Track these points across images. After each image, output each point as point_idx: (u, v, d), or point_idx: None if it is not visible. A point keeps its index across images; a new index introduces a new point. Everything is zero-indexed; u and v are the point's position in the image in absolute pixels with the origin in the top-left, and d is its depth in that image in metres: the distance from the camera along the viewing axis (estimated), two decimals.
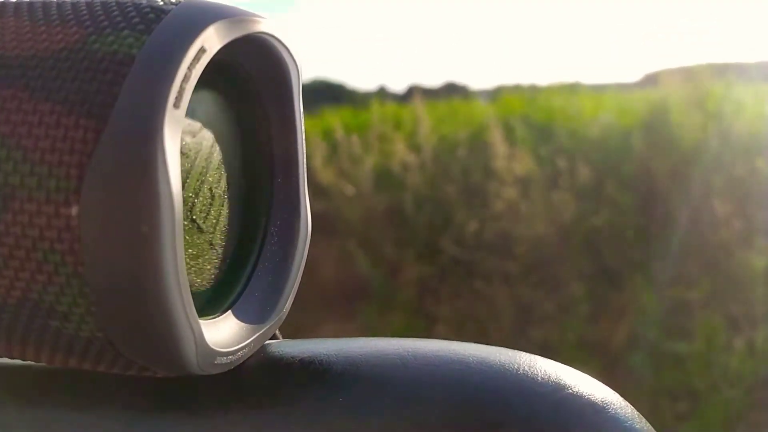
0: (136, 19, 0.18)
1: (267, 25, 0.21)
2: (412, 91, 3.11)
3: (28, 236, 0.17)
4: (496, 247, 2.15)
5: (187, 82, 0.17)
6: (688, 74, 2.44)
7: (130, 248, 0.16)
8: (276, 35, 0.21)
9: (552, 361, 0.22)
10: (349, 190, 2.46)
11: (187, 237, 0.20)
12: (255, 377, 0.22)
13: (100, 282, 0.17)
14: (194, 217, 0.21)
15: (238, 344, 0.21)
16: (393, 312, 2.17)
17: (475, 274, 2.15)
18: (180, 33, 0.17)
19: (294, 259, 0.25)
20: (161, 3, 0.19)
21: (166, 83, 0.16)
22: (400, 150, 2.50)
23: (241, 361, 0.22)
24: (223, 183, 0.22)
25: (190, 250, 0.21)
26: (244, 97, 0.23)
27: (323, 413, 0.21)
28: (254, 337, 0.22)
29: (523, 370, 0.21)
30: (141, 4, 0.19)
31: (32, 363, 0.22)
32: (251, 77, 0.23)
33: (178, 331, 0.17)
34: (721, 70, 2.39)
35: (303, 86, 0.25)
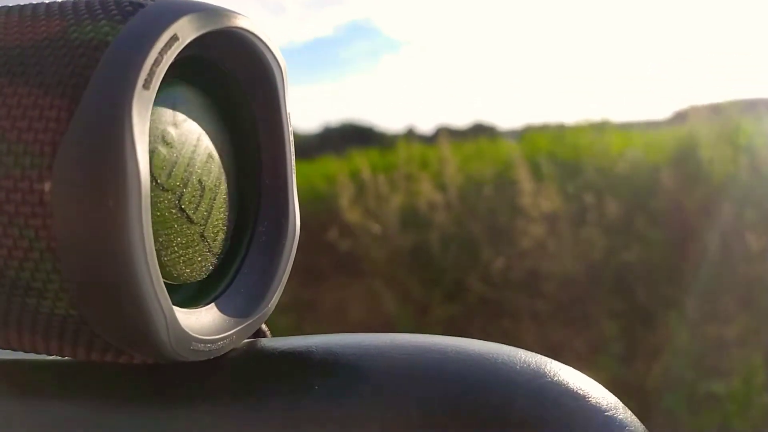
0: (115, 11, 0.19)
1: (245, 22, 0.21)
2: (440, 132, 3.13)
3: (5, 212, 0.17)
4: (524, 285, 2.12)
5: (158, 66, 0.18)
6: (717, 110, 2.42)
7: (98, 223, 0.17)
8: (256, 33, 0.22)
9: (534, 353, 0.22)
10: (376, 229, 2.47)
11: (176, 226, 0.21)
12: (234, 369, 0.22)
13: (71, 258, 0.17)
14: (183, 206, 0.21)
15: (218, 334, 0.22)
16: None
17: (503, 313, 2.12)
18: (153, 21, 0.18)
19: (281, 258, 0.25)
20: None
21: (136, 65, 0.17)
22: (426, 189, 2.51)
23: (221, 353, 0.22)
24: (214, 176, 0.23)
25: (178, 239, 0.21)
26: (230, 96, 0.24)
27: (300, 401, 0.21)
28: (236, 329, 0.23)
29: (501, 360, 0.21)
30: (122, 0, 0.20)
31: (17, 356, 0.22)
32: (235, 76, 0.24)
33: (147, 310, 0.18)
34: (750, 106, 2.37)
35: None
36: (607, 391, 0.21)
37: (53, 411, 0.22)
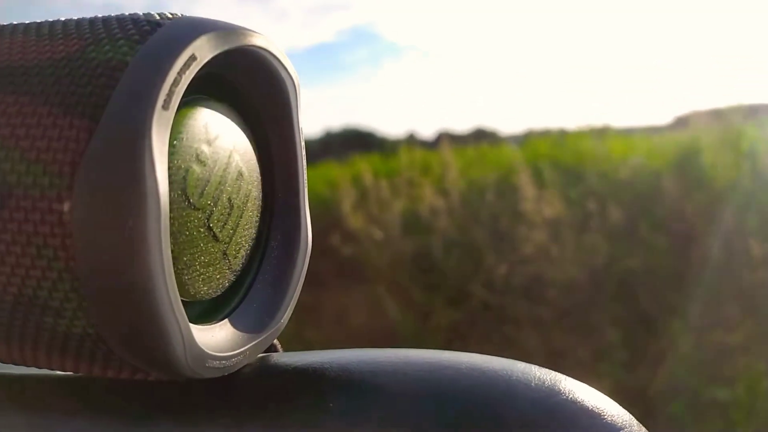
0: (133, 31, 0.19)
1: (261, 39, 0.21)
2: (441, 138, 3.14)
3: (23, 232, 0.18)
4: (527, 291, 2.11)
5: (177, 86, 0.18)
6: (719, 116, 2.42)
7: (117, 243, 0.17)
8: (271, 51, 0.22)
9: (548, 369, 0.22)
10: (378, 235, 2.47)
11: (201, 245, 0.21)
12: (249, 385, 0.22)
13: (89, 277, 0.17)
14: (211, 225, 0.21)
15: (232, 351, 0.22)
16: None
17: (506, 319, 2.12)
18: (171, 41, 0.18)
19: (293, 272, 0.25)
20: (158, 18, 0.20)
21: (155, 86, 0.17)
22: (428, 195, 2.51)
23: (235, 369, 0.22)
24: (242, 194, 0.23)
25: (202, 258, 0.21)
26: (246, 112, 0.24)
27: (315, 420, 0.21)
28: (249, 345, 0.23)
29: (516, 377, 0.21)
30: (139, 18, 0.20)
31: (30, 372, 0.22)
32: (250, 93, 0.24)
33: (164, 329, 0.18)
34: (752, 111, 2.37)
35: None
36: (622, 408, 0.21)
37: (68, 427, 0.22)
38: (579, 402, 0.20)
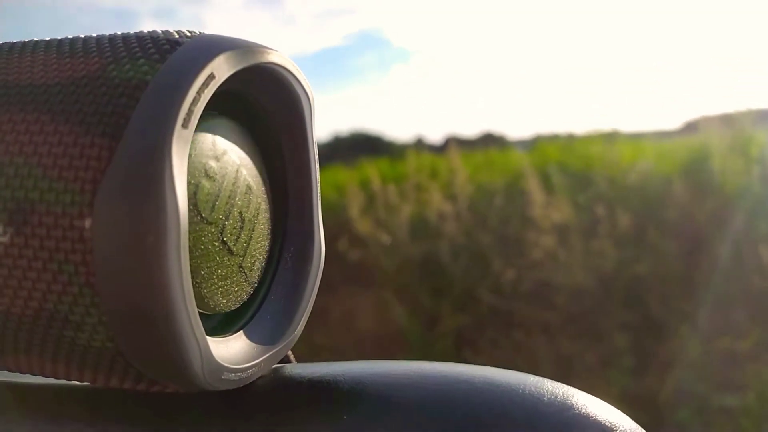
0: (152, 50, 0.19)
1: (277, 56, 0.22)
2: (449, 142, 3.14)
3: (45, 248, 0.18)
4: (535, 296, 2.11)
5: (195, 105, 0.18)
6: (729, 121, 2.41)
7: (137, 259, 0.17)
8: (287, 67, 0.23)
9: (560, 383, 0.22)
10: (386, 239, 2.47)
11: (217, 258, 0.21)
12: (264, 397, 0.23)
13: (109, 292, 0.18)
14: (225, 238, 0.22)
15: (247, 363, 0.22)
16: None
17: (514, 325, 2.11)
18: (191, 60, 0.19)
19: (307, 284, 0.26)
20: (177, 36, 0.20)
21: (175, 105, 0.18)
22: (436, 199, 2.51)
23: (250, 381, 0.22)
24: (252, 207, 0.23)
25: (219, 271, 0.21)
26: (261, 128, 0.24)
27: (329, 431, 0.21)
28: (264, 357, 0.23)
29: (529, 391, 0.21)
30: (158, 37, 0.20)
31: (47, 382, 0.23)
32: (266, 109, 0.24)
33: (183, 343, 0.18)
34: (762, 116, 2.35)
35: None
36: (634, 423, 0.21)
37: None
38: (592, 417, 0.20)
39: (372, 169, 2.96)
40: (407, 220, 2.52)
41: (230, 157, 0.22)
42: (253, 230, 0.23)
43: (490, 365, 0.23)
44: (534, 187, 2.27)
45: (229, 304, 0.22)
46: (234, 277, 0.22)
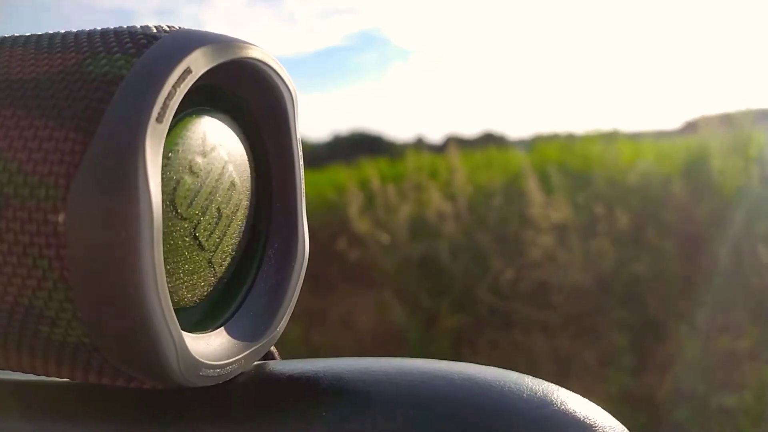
0: (129, 44, 0.19)
1: (257, 51, 0.22)
2: (449, 142, 3.14)
3: (19, 243, 0.18)
4: (534, 296, 2.11)
5: (171, 99, 0.18)
6: (729, 120, 2.40)
7: (110, 253, 0.17)
8: (268, 62, 0.22)
9: (541, 380, 0.22)
10: (385, 239, 2.47)
11: (186, 253, 0.21)
12: (244, 393, 0.23)
13: (84, 287, 0.18)
14: (197, 234, 0.21)
15: (227, 359, 0.22)
16: None
17: (513, 324, 2.11)
18: (166, 55, 0.19)
19: (290, 282, 0.25)
20: (155, 31, 0.20)
21: (149, 100, 0.17)
22: (435, 199, 2.51)
23: (231, 377, 0.22)
24: (233, 204, 0.23)
25: (186, 266, 0.21)
26: (245, 124, 0.24)
27: (307, 429, 0.21)
28: (245, 353, 0.23)
29: (508, 387, 0.21)
30: (136, 31, 0.20)
31: (27, 378, 0.23)
32: (249, 105, 0.24)
33: (157, 338, 0.18)
34: (762, 116, 2.35)
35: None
36: (614, 419, 0.21)
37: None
38: (571, 413, 0.20)
39: (371, 169, 2.96)
40: (406, 220, 2.52)
41: (219, 153, 0.22)
42: (228, 226, 0.23)
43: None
44: (533, 187, 2.27)
45: (195, 299, 0.22)
46: (202, 272, 0.22)
